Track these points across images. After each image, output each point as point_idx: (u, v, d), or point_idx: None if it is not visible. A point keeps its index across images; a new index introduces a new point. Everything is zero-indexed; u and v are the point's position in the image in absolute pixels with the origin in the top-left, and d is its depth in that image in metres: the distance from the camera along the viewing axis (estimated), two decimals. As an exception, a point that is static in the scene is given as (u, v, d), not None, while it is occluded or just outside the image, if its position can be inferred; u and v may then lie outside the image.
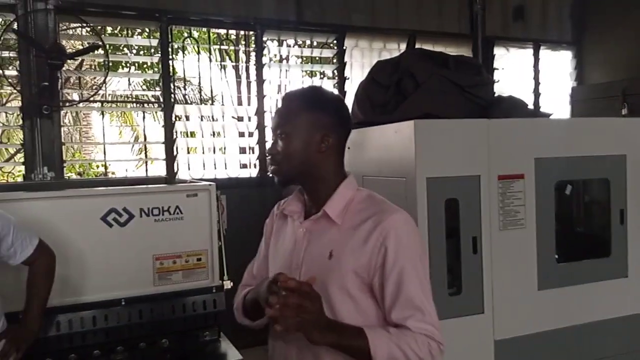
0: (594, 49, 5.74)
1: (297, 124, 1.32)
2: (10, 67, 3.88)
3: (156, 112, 4.64)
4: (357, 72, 4.79)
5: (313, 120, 1.33)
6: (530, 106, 3.34)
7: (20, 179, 4.51)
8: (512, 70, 5.54)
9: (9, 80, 3.78)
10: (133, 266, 2.34)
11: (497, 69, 5.41)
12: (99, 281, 2.29)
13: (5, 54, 3.80)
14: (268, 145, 4.43)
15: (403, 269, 1.25)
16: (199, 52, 4.75)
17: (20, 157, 4.49)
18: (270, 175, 1.38)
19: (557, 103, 5.66)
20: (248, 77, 4.91)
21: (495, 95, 2.94)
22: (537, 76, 5.63)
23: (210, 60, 4.58)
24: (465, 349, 2.39)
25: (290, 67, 4.80)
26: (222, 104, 4.71)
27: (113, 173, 6.53)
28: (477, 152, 2.39)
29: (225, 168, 4.49)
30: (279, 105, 1.39)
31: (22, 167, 3.90)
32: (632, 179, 2.70)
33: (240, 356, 2.28)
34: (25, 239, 1.89)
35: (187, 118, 4.48)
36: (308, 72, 4.90)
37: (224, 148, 4.57)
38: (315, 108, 1.34)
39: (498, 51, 5.42)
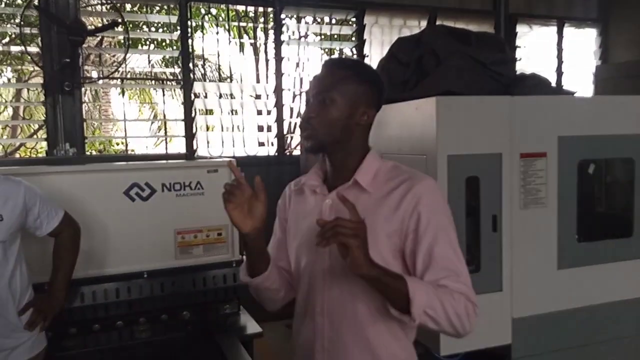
0: (620, 26, 5.59)
1: (346, 92, 1.31)
2: (31, 44, 3.92)
3: (175, 90, 4.65)
4: (376, 50, 4.74)
5: (361, 91, 1.32)
6: (554, 85, 3.28)
7: (42, 155, 4.57)
8: (535, 48, 5.43)
9: (31, 56, 3.82)
10: (155, 240, 2.37)
11: (520, 46, 5.31)
12: (122, 254, 2.33)
13: (27, 30, 3.83)
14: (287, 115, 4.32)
15: (436, 232, 1.27)
16: (217, 30, 4.73)
17: (42, 133, 4.55)
18: (304, 139, 1.35)
19: (581, 82, 5.55)
20: (266, 54, 4.89)
21: (518, 73, 2.89)
22: (561, 54, 5.51)
23: (229, 38, 4.57)
24: (483, 326, 2.37)
25: (308, 45, 4.76)
26: (241, 82, 4.69)
27: (133, 151, 6.59)
28: (499, 129, 2.36)
29: (244, 146, 4.51)
30: (325, 69, 1.36)
31: (45, 144, 3.97)
32: (657, 158, 2.65)
33: (260, 329, 2.32)
34: (51, 211, 1.92)
35: (206, 96, 4.49)
36: (327, 49, 4.86)
37: (242, 126, 4.59)
38: (365, 80, 1.34)
39: (521, 28, 5.31)
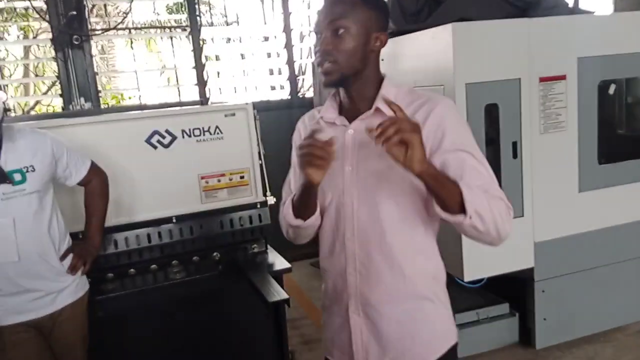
0: (640, -60, 5.31)
1: (358, 20, 1.28)
2: (36, -1, 3.86)
3: (180, 38, 4.59)
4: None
5: (371, 17, 1.29)
6: (571, 5, 3.18)
7: (59, 112, 4.60)
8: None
9: (37, 11, 3.77)
10: (180, 185, 2.42)
11: (534, -31, 5.09)
12: (149, 201, 2.39)
13: (30, -16, 3.76)
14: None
15: (464, 147, 1.26)
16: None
17: (56, 89, 4.56)
18: (323, 73, 1.31)
19: (598, 1, 5.35)
20: (272, -6, 4.76)
21: (534, -5, 2.81)
22: (577, -27, 5.29)
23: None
24: (506, 251, 2.44)
25: (315, -19, 4.62)
26: (248, 25, 4.61)
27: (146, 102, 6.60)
28: (517, 54, 2.33)
29: (256, 90, 4.48)
30: None
31: (60, 100, 3.99)
32: (680, 75, 2.60)
33: (289, 264, 2.39)
34: (78, 161, 1.97)
35: (213, 41, 4.42)
36: (334, -16, 4.71)
37: (253, 70, 4.54)
38: (373, 5, 1.31)
39: (535, -51, 5.08)
